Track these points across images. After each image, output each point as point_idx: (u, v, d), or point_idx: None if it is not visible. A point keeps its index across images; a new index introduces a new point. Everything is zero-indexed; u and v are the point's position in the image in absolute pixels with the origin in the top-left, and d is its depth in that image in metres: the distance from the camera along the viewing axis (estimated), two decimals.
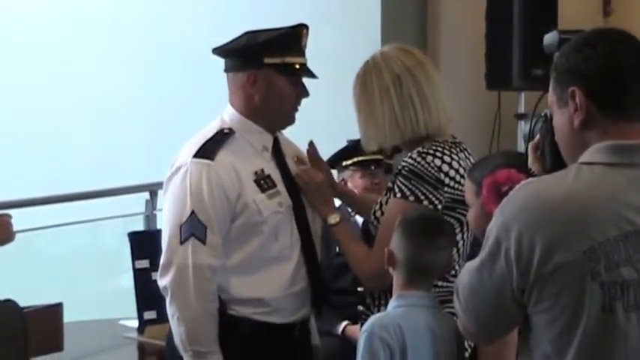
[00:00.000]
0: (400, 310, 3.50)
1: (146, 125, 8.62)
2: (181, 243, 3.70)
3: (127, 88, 9.06)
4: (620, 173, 2.53)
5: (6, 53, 8.96)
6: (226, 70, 3.94)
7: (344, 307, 5.12)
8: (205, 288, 3.72)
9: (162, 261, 3.82)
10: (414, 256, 3.47)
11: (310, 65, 3.96)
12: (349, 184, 5.51)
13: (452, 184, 3.78)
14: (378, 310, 3.73)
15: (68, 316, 5.03)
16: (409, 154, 3.86)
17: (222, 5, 9.14)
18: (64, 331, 4.93)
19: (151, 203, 6.49)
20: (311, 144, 4.11)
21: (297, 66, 3.89)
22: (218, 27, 7.83)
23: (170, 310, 3.78)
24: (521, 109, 7.67)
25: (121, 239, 5.29)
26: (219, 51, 3.93)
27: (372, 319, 3.55)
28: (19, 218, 4.60)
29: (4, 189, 4.94)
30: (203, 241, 3.69)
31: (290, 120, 3.94)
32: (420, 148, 3.81)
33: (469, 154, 3.91)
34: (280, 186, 3.85)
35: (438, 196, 3.77)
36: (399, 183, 3.81)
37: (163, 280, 3.78)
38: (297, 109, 3.95)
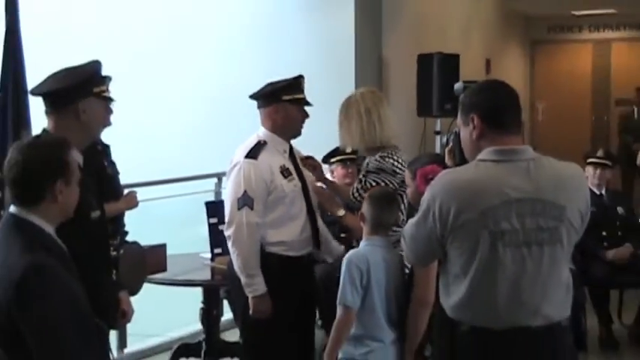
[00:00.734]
0: (368, 248, 3.79)
1: (216, 126, 8.27)
2: (239, 209, 4.11)
3: (198, 96, 8.52)
4: (501, 166, 2.81)
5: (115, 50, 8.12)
6: (259, 107, 4.33)
7: None
8: (252, 236, 4.10)
9: (227, 220, 4.21)
10: (376, 216, 3.80)
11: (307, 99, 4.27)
12: (334, 173, 5.86)
13: (400, 173, 4.19)
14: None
15: (170, 251, 5.45)
16: (375, 157, 4.27)
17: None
18: (167, 260, 5.35)
19: (218, 184, 6.87)
20: (311, 157, 4.50)
21: (302, 100, 4.28)
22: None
23: (231, 249, 4.18)
24: (438, 129, 8.39)
25: (201, 205, 5.56)
26: (254, 97, 4.33)
27: (350, 252, 3.83)
28: (141, 192, 5.03)
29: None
30: (252, 208, 4.08)
31: (299, 134, 4.33)
32: (381, 153, 4.24)
33: (403, 155, 4.30)
34: (294, 174, 4.24)
35: (394, 181, 4.23)
36: (372, 177, 4.25)
37: (227, 231, 4.18)
38: (302, 127, 4.32)
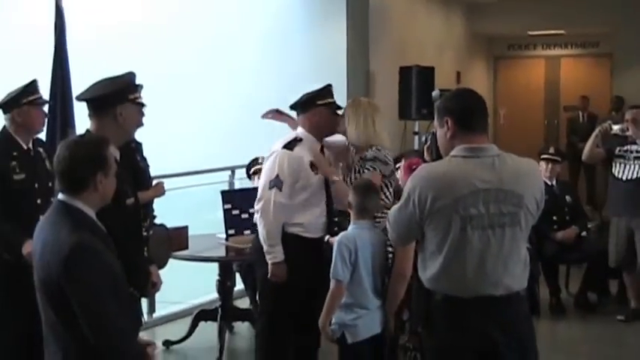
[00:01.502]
0: (355, 231, 3.76)
1: (229, 128, 8.17)
2: (269, 188, 4.13)
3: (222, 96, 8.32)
4: (470, 161, 2.81)
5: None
6: (298, 114, 4.34)
7: None
8: (276, 212, 4.11)
9: (258, 196, 4.22)
10: (360, 202, 3.76)
11: None
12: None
13: (389, 164, 4.24)
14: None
15: (191, 232, 5.43)
16: (371, 151, 4.22)
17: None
18: (189, 239, 5.34)
19: (232, 176, 6.87)
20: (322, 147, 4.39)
21: (333, 103, 4.28)
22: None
23: (258, 221, 4.20)
24: (416, 130, 8.55)
25: (217, 194, 5.65)
26: (294, 106, 4.34)
27: (340, 235, 3.79)
28: (167, 183, 5.03)
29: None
30: (280, 190, 4.10)
31: (332, 131, 4.33)
32: (375, 147, 4.22)
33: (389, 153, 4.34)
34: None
35: (385, 169, 4.22)
36: (369, 164, 4.22)
37: (257, 206, 4.20)
38: (335, 126, 4.31)
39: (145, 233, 3.52)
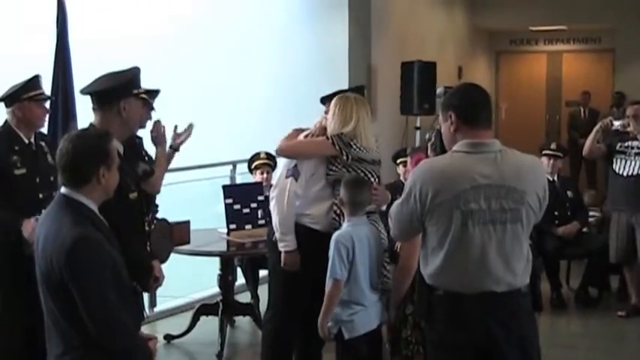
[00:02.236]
0: (350, 228, 3.76)
1: (231, 124, 8.08)
2: (286, 177, 4.13)
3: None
4: (472, 157, 2.80)
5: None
6: (323, 103, 4.34)
7: None
8: (290, 200, 4.09)
9: (274, 184, 4.28)
10: (352, 197, 3.78)
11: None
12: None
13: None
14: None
15: (193, 226, 5.45)
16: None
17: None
18: (190, 234, 5.36)
19: (233, 170, 6.87)
20: None
21: None
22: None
23: (272, 208, 4.17)
24: (418, 125, 8.56)
25: (218, 188, 5.60)
26: (323, 99, 4.33)
27: (336, 233, 3.76)
28: (168, 177, 4.98)
29: None
30: (296, 180, 4.08)
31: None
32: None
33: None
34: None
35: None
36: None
37: (272, 193, 4.20)
38: None
39: (147, 227, 3.53)
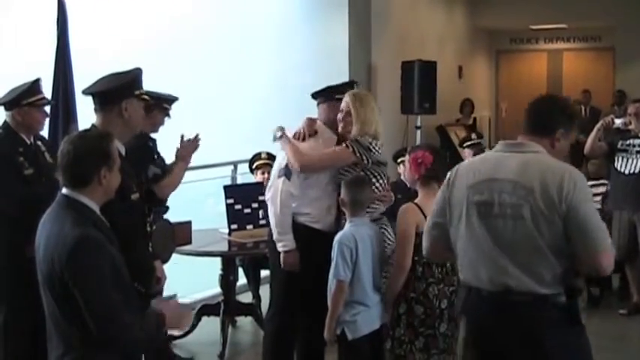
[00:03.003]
0: (353, 228, 3.74)
1: (233, 123, 8.08)
2: (278, 177, 4.11)
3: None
4: (501, 154, 2.86)
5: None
6: (317, 104, 4.28)
7: None
8: (285, 200, 4.06)
9: (268, 185, 4.26)
10: (354, 197, 3.76)
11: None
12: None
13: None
14: None
15: (194, 227, 5.45)
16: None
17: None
18: (192, 233, 5.36)
19: (234, 170, 6.86)
20: None
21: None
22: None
23: (269, 209, 4.18)
24: (418, 124, 8.65)
25: (220, 188, 5.65)
26: (314, 95, 4.29)
27: (339, 234, 3.75)
28: None
29: None
30: (289, 179, 4.06)
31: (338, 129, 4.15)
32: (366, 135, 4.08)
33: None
34: None
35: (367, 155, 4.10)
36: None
37: (267, 194, 4.20)
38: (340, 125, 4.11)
39: (148, 228, 3.52)
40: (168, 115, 4.75)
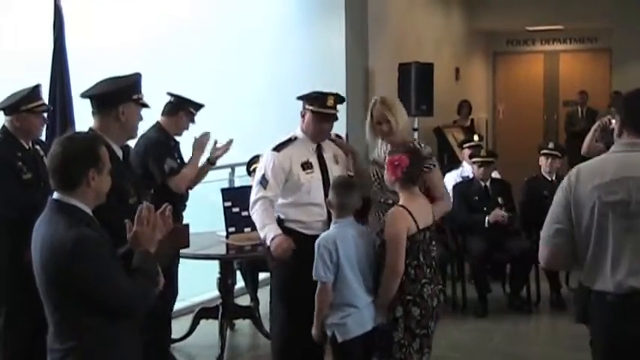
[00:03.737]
0: (336, 230, 3.75)
1: (228, 126, 7.34)
2: (256, 185, 4.20)
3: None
4: (623, 154, 2.85)
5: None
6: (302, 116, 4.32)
7: None
8: (262, 204, 4.14)
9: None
10: (341, 200, 3.76)
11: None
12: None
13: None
14: None
15: (192, 230, 5.09)
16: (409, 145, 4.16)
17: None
18: (190, 237, 5.17)
19: (232, 173, 6.90)
20: (341, 137, 4.52)
21: (325, 111, 4.20)
22: None
23: (252, 216, 4.24)
24: (416, 126, 8.52)
25: (217, 191, 5.64)
26: (301, 97, 4.30)
27: (320, 236, 3.76)
28: None
29: None
30: (264, 187, 4.14)
31: (317, 139, 4.26)
32: (413, 142, 4.36)
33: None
34: (316, 169, 4.21)
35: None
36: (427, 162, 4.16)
37: (250, 199, 4.23)
38: (320, 136, 4.24)
39: None
40: (193, 120, 4.88)
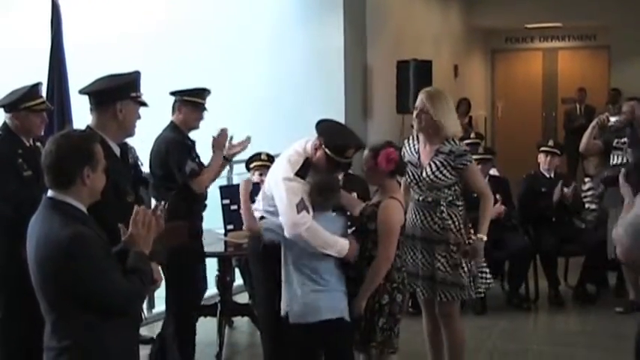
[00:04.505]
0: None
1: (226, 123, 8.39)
2: (302, 209, 3.68)
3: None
4: None
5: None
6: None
7: None
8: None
9: (289, 221, 3.68)
10: (321, 203, 3.71)
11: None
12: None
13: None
14: None
15: None
16: (449, 144, 4.09)
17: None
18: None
19: (230, 171, 6.66)
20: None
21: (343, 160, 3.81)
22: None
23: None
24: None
25: (215, 188, 5.39)
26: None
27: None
28: None
29: None
30: (308, 211, 3.67)
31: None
32: (452, 140, 4.13)
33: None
34: None
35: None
36: (464, 159, 4.11)
37: (293, 220, 3.68)
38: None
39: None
40: (204, 108, 4.82)
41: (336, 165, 3.74)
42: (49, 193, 2.66)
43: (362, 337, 3.77)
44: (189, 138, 4.70)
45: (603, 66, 13.60)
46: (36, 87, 4.26)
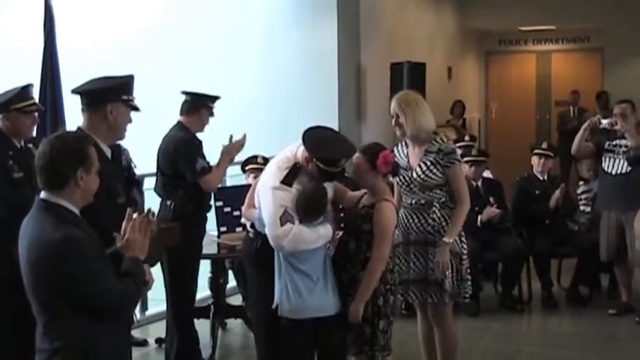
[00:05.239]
0: None
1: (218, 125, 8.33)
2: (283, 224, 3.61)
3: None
4: None
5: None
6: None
7: None
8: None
9: (276, 234, 3.60)
10: (305, 218, 3.64)
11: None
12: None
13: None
14: None
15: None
16: (437, 143, 4.11)
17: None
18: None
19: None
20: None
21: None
22: None
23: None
24: None
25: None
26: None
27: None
28: None
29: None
30: (293, 222, 3.61)
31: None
32: (437, 138, 4.17)
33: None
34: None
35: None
36: (451, 157, 4.11)
37: (279, 231, 3.61)
38: None
39: None
40: (212, 114, 4.89)
41: (331, 175, 3.70)
42: (42, 194, 2.65)
43: (365, 341, 3.73)
44: (197, 137, 4.76)
45: (597, 68, 13.63)
46: (27, 88, 4.25)
